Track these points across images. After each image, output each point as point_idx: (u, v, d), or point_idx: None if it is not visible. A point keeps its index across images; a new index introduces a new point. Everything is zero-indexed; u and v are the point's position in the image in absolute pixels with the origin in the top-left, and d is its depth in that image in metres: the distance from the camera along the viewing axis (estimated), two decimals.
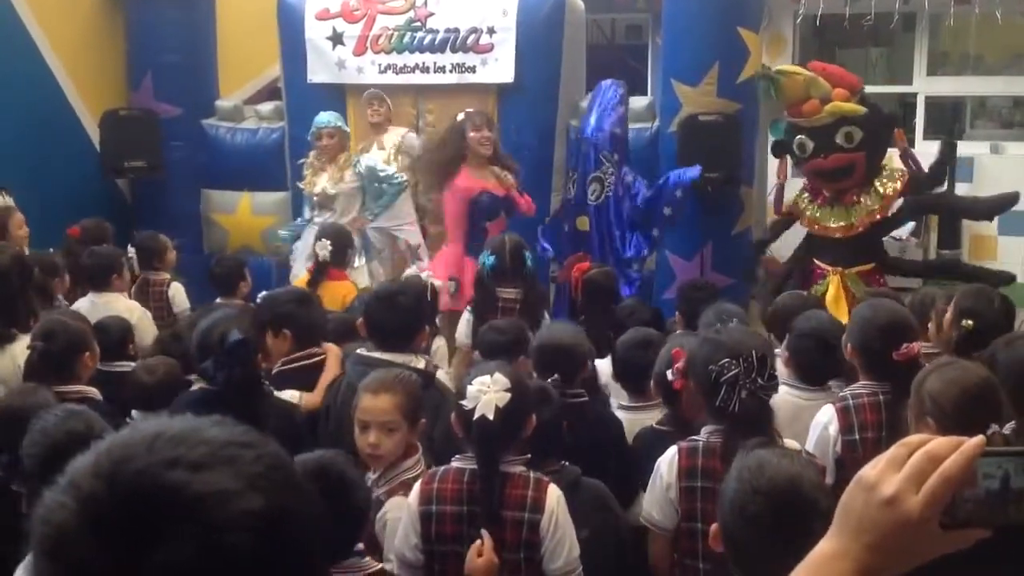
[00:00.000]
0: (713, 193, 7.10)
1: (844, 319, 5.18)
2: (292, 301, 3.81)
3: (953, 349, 3.69)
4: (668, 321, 4.84)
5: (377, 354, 3.54)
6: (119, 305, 5.19)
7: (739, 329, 2.87)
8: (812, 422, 3.21)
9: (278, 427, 3.17)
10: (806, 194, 6.00)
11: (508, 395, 2.58)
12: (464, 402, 2.59)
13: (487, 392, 2.57)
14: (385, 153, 7.41)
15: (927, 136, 10.25)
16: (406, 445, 2.90)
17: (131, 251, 5.93)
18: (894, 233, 9.51)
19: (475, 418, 2.56)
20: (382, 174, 6.96)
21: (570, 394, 3.26)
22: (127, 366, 4.25)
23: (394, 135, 7.54)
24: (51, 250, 5.93)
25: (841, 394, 3.32)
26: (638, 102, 8.15)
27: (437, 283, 4.94)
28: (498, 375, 2.61)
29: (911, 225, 9.65)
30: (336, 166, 6.96)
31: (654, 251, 7.12)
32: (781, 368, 3.61)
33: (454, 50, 7.86)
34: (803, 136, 5.78)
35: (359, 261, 6.81)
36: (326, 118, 7.10)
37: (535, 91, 7.77)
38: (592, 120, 6.81)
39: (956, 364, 2.79)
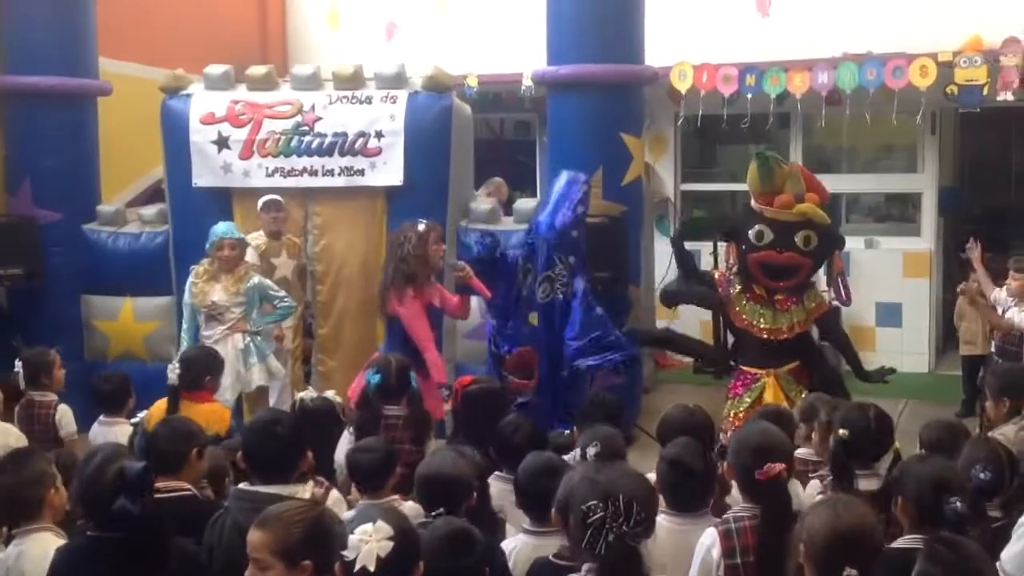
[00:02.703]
0: (603, 293, 7.16)
1: None
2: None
3: (831, 462, 3.77)
4: (565, 433, 4.80)
5: (259, 488, 3.43)
6: None
7: (618, 468, 2.85)
8: (696, 546, 3.22)
9: (181, 571, 3.04)
10: (738, 287, 6.05)
11: (391, 544, 2.50)
12: (345, 552, 2.52)
13: (368, 542, 2.50)
14: (291, 264, 7.50)
15: None
16: None
17: (18, 365, 5.66)
18: None
19: (355, 570, 2.48)
20: (272, 292, 6.94)
21: None
22: None
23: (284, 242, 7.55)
24: None
25: (724, 516, 3.34)
26: (527, 203, 8.27)
27: (338, 400, 4.91)
28: (380, 523, 2.52)
29: None
30: (233, 277, 6.80)
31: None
32: None
33: (342, 154, 7.88)
34: (764, 226, 5.85)
35: (251, 362, 6.78)
36: (226, 228, 6.94)
37: (424, 193, 7.81)
38: (546, 216, 6.63)
39: (839, 503, 2.82)
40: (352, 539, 2.50)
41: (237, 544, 3.00)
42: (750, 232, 5.88)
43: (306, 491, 3.53)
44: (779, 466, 3.16)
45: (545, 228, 6.47)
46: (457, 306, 6.58)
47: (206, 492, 3.89)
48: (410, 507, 3.84)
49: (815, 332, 9.87)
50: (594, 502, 2.65)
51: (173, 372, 4.92)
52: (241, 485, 3.53)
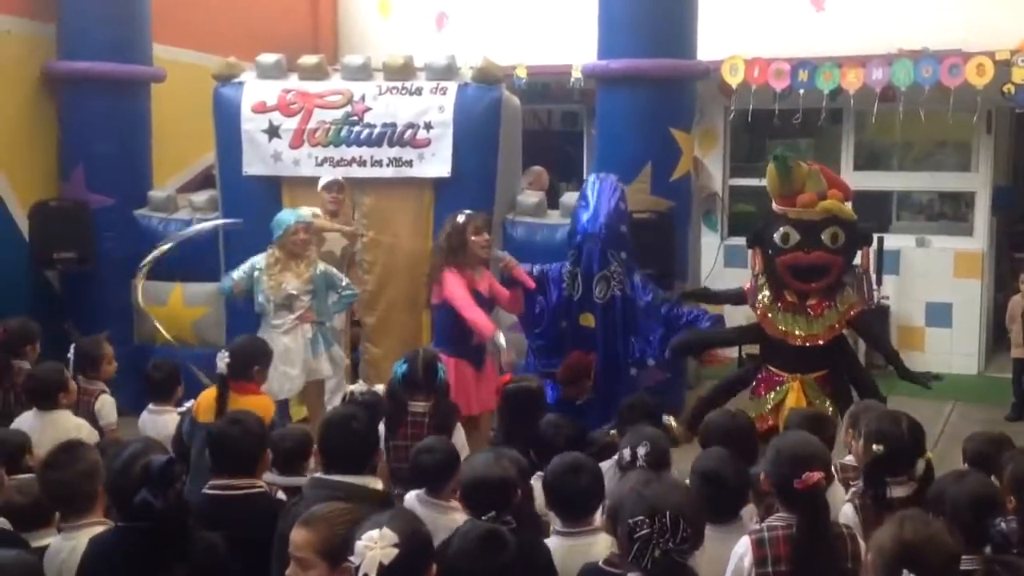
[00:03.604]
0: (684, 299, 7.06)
1: None
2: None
3: (864, 473, 3.74)
4: (611, 433, 4.80)
5: (334, 476, 3.48)
6: (67, 423, 5.04)
7: (666, 482, 2.85)
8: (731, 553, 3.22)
9: (203, 563, 3.09)
10: (767, 293, 5.87)
11: (396, 551, 2.50)
12: (351, 558, 2.53)
13: (373, 548, 2.50)
14: (342, 243, 7.52)
15: None
16: None
17: (70, 351, 5.72)
18: None
19: None
20: (337, 280, 6.89)
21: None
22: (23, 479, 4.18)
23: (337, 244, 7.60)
24: None
25: (758, 526, 3.33)
26: (574, 197, 8.23)
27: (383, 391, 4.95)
28: (386, 530, 2.52)
29: None
30: (303, 264, 6.73)
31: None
32: None
33: (391, 144, 7.89)
34: (789, 227, 5.64)
35: (319, 352, 6.74)
36: (295, 214, 6.87)
37: (472, 185, 7.82)
38: (591, 216, 6.64)
39: (907, 518, 2.77)
40: (358, 545, 2.52)
41: None
42: (775, 235, 5.69)
43: (376, 483, 3.58)
44: (818, 475, 3.14)
45: (595, 228, 6.45)
46: (509, 297, 6.56)
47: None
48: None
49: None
50: (641, 517, 2.65)
51: (222, 361, 4.91)
52: (317, 474, 3.59)
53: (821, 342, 5.69)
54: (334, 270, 6.95)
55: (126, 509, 3.05)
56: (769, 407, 5.77)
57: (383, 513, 2.67)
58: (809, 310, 5.73)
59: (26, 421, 5.07)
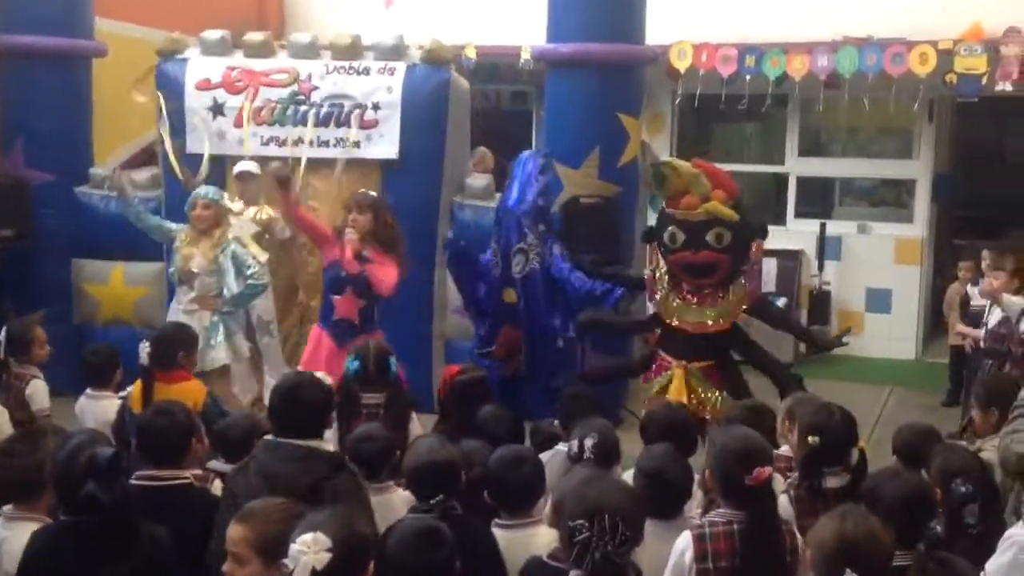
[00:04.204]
0: (596, 276, 7.15)
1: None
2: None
3: (801, 465, 3.81)
4: (545, 423, 4.82)
5: (286, 439, 3.47)
6: None
7: (607, 482, 2.87)
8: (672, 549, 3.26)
9: (148, 557, 3.06)
10: (666, 280, 6.11)
11: (329, 555, 2.48)
12: (285, 561, 2.51)
13: (306, 553, 2.48)
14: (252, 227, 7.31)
15: (798, 215, 10.62)
16: None
17: (1, 336, 5.54)
18: None
19: None
20: (248, 271, 6.69)
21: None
22: None
23: (266, 210, 7.49)
24: None
25: (698, 521, 3.38)
26: None
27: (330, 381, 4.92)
28: (320, 535, 2.50)
29: (783, 301, 9.98)
30: (210, 241, 6.72)
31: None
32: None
33: (338, 125, 7.84)
34: (675, 228, 5.90)
35: (215, 340, 6.65)
36: (204, 190, 6.90)
37: (420, 167, 7.79)
38: (514, 192, 6.77)
39: (849, 513, 2.84)
40: (292, 548, 2.51)
41: (263, 491, 3.09)
42: (664, 235, 5.98)
43: (328, 445, 3.60)
44: (768, 470, 3.19)
45: (515, 203, 6.53)
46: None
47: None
48: (406, 495, 3.88)
49: (802, 316, 10.09)
50: (581, 521, 2.67)
51: (144, 351, 4.81)
52: (268, 437, 3.57)
53: (709, 331, 5.92)
54: (245, 253, 6.75)
55: (71, 502, 3.01)
56: (654, 391, 5.98)
57: (319, 513, 2.66)
58: (701, 300, 5.97)
59: None
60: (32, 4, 8.18)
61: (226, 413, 4.82)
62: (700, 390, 5.88)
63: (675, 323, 5.96)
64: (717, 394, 5.90)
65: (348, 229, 6.20)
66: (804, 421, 3.87)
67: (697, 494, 3.86)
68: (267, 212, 7.48)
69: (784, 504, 3.71)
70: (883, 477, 3.42)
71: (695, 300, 5.96)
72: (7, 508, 3.46)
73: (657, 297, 6.11)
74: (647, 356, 6.31)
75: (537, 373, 6.90)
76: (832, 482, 3.80)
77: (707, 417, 5.70)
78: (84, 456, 3.04)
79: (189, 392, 4.78)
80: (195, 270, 6.65)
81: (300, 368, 6.03)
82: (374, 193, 6.67)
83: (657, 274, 6.16)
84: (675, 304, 5.99)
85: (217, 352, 6.67)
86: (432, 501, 3.27)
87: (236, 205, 7.34)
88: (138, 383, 4.86)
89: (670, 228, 5.93)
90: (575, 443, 3.85)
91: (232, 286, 6.67)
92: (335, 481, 3.34)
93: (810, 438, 3.75)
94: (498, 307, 6.89)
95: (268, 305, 7.50)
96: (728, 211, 5.85)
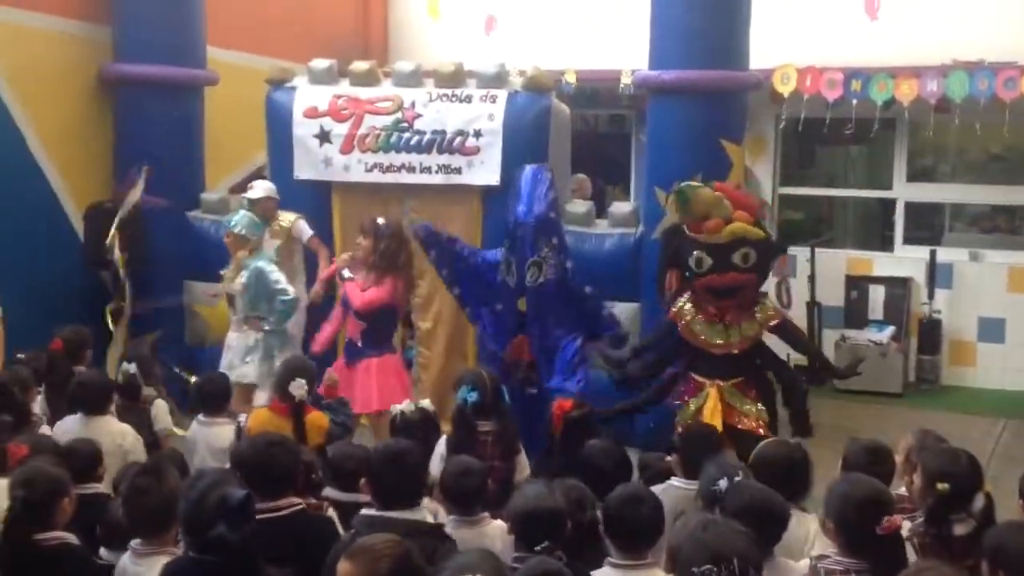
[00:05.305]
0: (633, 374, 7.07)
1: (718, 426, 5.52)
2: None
3: (927, 512, 3.68)
4: (655, 457, 4.78)
5: (387, 513, 3.51)
6: (112, 428, 5.08)
7: (723, 525, 2.81)
8: None
9: None
10: (689, 305, 6.16)
11: None
12: None
13: None
14: (276, 244, 7.59)
15: (907, 241, 10.37)
16: None
17: (131, 367, 5.66)
18: (874, 337, 9.62)
19: None
20: (276, 285, 6.87)
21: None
22: (95, 487, 4.25)
23: (284, 219, 7.78)
24: (20, 356, 5.88)
25: (815, 564, 3.30)
26: (622, 207, 8.23)
27: (433, 408, 5.02)
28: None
29: (891, 329, 9.76)
30: (235, 264, 7.06)
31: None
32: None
33: (440, 151, 7.93)
34: (701, 252, 5.96)
35: (251, 358, 6.93)
36: (227, 220, 7.26)
37: None
38: (524, 206, 6.77)
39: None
40: None
41: None
42: (690, 260, 6.02)
43: (429, 515, 3.62)
44: (899, 518, 3.10)
45: (526, 216, 6.58)
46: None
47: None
48: (499, 526, 3.89)
49: (911, 345, 9.84)
50: (709, 566, 2.63)
51: (301, 389, 4.88)
52: (364, 511, 3.62)
53: (736, 351, 6.03)
54: (268, 272, 6.89)
55: (199, 540, 3.05)
56: (691, 414, 6.01)
57: (470, 552, 2.66)
58: (727, 321, 6.05)
59: (69, 425, 5.06)
60: (149, 34, 8.46)
61: (350, 431, 4.92)
62: (738, 404, 5.98)
63: (703, 343, 6.05)
64: (757, 406, 6.02)
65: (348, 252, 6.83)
66: (931, 466, 3.72)
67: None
68: (286, 220, 7.81)
69: (910, 553, 3.59)
70: (1009, 533, 3.24)
71: (720, 320, 6.04)
72: (135, 543, 3.53)
73: (680, 325, 6.17)
74: (670, 380, 6.34)
75: (547, 380, 6.86)
76: (959, 529, 3.63)
77: (759, 429, 5.84)
78: (215, 497, 3.06)
79: (316, 421, 4.90)
80: (232, 293, 7.03)
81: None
82: (381, 219, 6.86)
83: (678, 305, 6.22)
84: (700, 326, 6.07)
85: (248, 369, 6.91)
86: (537, 548, 3.25)
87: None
88: (256, 414, 4.97)
89: (695, 253, 6.02)
90: (723, 483, 3.62)
91: (259, 304, 6.93)
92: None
93: (939, 485, 3.59)
94: (512, 316, 6.89)
95: (299, 319, 7.64)
96: (756, 230, 5.96)
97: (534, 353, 6.59)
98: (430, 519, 3.61)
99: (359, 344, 6.68)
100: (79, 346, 5.87)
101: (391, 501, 3.56)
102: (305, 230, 7.93)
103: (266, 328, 6.91)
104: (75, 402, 5.14)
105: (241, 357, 6.94)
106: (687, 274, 6.14)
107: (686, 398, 6.15)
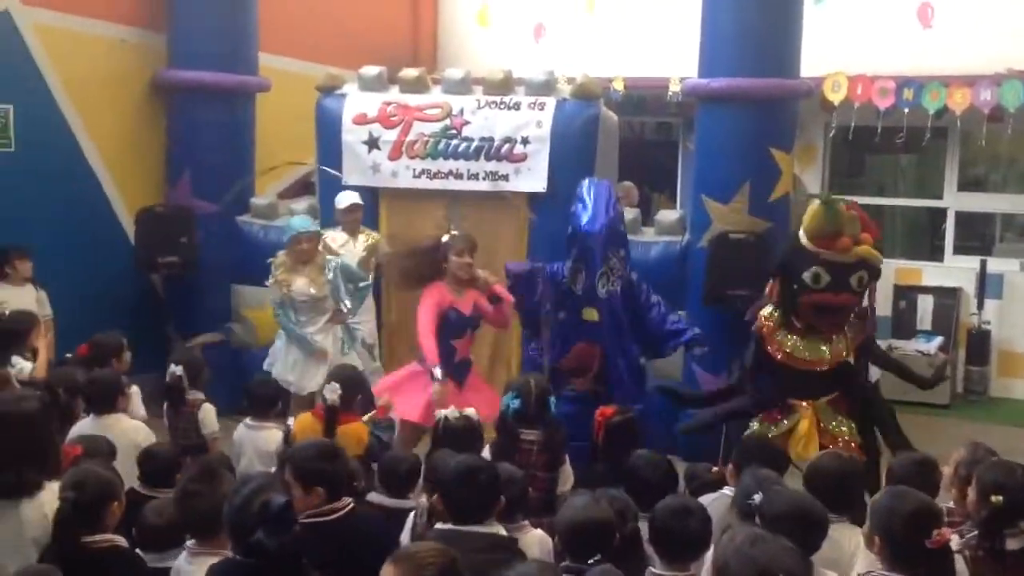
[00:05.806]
0: (741, 310, 7.07)
1: (812, 453, 5.34)
2: (323, 457, 3.76)
3: (981, 525, 3.63)
4: (703, 467, 4.76)
5: (463, 527, 3.55)
6: (124, 425, 5.10)
7: (772, 542, 2.80)
8: None
9: None
10: (776, 315, 6.02)
11: None
12: None
13: None
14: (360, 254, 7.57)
15: (957, 251, 10.24)
16: None
17: (178, 370, 5.63)
18: (921, 348, 9.52)
19: None
20: (354, 270, 7.13)
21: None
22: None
23: (364, 238, 7.76)
24: (69, 356, 5.95)
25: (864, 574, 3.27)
26: (669, 215, 8.22)
27: (477, 416, 4.97)
28: None
29: (939, 340, 9.65)
30: (315, 267, 7.08)
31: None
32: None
33: (488, 158, 7.95)
34: (820, 269, 5.81)
35: (349, 348, 7.13)
36: (301, 223, 7.26)
37: (567, 201, 7.74)
38: (590, 216, 6.65)
39: None
40: None
41: None
42: (805, 274, 5.83)
43: (502, 528, 3.65)
44: (948, 532, 3.07)
45: (596, 227, 6.50)
46: (493, 313, 6.51)
47: None
48: (539, 535, 3.89)
49: (960, 356, 9.71)
50: None
51: (334, 393, 4.87)
52: (439, 525, 3.66)
53: (825, 367, 5.89)
54: (348, 262, 7.15)
55: (242, 544, 3.08)
56: (783, 430, 5.91)
57: (530, 564, 2.66)
58: (823, 335, 5.93)
59: (83, 427, 5.05)
60: (203, 41, 8.58)
61: (389, 447, 4.92)
62: (831, 424, 5.87)
63: (788, 356, 5.92)
64: (849, 424, 5.89)
65: (479, 272, 6.43)
66: (985, 479, 3.67)
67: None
68: (372, 237, 7.79)
69: (960, 567, 3.55)
70: None
71: (811, 335, 5.92)
72: (191, 543, 3.59)
73: (771, 330, 6.03)
74: (765, 398, 6.19)
75: (619, 392, 6.81)
76: (1012, 543, 3.58)
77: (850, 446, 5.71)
78: (258, 502, 3.08)
79: (355, 431, 4.90)
80: (303, 298, 7.03)
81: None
82: (455, 232, 6.72)
83: (767, 313, 6.09)
84: (790, 340, 5.96)
85: (351, 359, 7.01)
86: (589, 561, 3.25)
87: (339, 236, 7.64)
88: (301, 419, 4.99)
89: (814, 268, 5.83)
90: (758, 498, 3.58)
91: (345, 296, 7.06)
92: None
93: (993, 497, 3.55)
94: (574, 324, 6.85)
95: (372, 329, 7.75)
96: (877, 255, 5.86)
97: (609, 365, 6.50)
98: (503, 532, 3.62)
99: (469, 358, 6.50)
100: (109, 351, 5.84)
101: (465, 516, 3.60)
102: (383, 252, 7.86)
103: (345, 309, 7.06)
104: (86, 400, 5.17)
105: (338, 351, 7.08)
106: (796, 286, 5.95)
107: (778, 416, 6.02)
